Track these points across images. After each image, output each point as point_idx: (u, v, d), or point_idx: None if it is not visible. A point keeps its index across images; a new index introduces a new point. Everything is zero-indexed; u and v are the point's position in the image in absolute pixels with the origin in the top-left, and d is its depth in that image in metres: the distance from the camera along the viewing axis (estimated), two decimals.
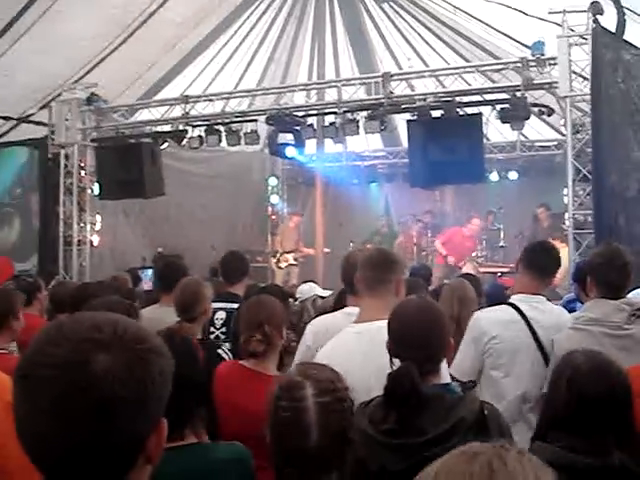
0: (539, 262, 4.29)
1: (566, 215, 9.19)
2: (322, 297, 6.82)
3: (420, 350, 2.70)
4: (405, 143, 11.72)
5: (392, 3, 13.65)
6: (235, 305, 5.33)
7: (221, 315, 5.50)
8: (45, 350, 1.26)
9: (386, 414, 2.55)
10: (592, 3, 8.45)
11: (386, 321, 3.12)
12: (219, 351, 4.44)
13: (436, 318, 2.86)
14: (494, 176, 14.40)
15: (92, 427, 1.22)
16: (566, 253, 10.28)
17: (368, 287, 3.52)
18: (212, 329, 5.47)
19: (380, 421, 2.55)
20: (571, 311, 5.54)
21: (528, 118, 9.66)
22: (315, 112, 11.25)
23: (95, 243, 12.58)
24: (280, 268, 14.99)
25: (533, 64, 9.27)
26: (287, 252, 15.01)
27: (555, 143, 13.97)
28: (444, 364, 2.91)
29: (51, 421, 1.21)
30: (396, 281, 3.50)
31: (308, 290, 7.27)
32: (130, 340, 1.30)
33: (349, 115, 10.43)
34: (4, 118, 12.38)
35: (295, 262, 14.94)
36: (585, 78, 8.68)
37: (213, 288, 5.25)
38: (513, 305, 4.11)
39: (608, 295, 3.92)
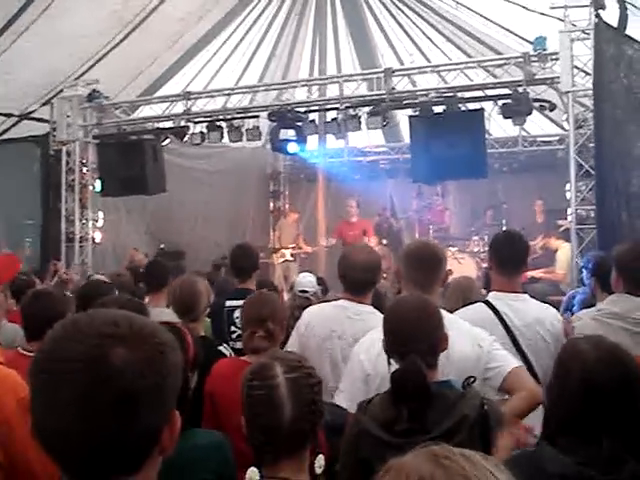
0: (507, 257, 4.15)
1: (568, 210, 9.18)
2: (305, 291, 6.75)
3: (419, 344, 2.72)
4: (407, 139, 11.72)
5: None
6: None
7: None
8: (64, 345, 1.28)
9: (398, 414, 2.55)
10: None
11: None
12: (220, 348, 4.42)
13: (431, 311, 2.91)
14: (496, 171, 14.34)
15: (114, 419, 1.24)
16: (566, 250, 10.30)
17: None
18: (233, 328, 5.33)
19: (392, 421, 2.56)
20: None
21: (530, 113, 9.64)
22: (317, 108, 11.26)
23: (97, 240, 12.60)
24: (278, 263, 14.99)
25: (535, 59, 9.27)
26: (284, 247, 15.01)
27: (557, 138, 13.95)
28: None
29: (74, 415, 1.23)
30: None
31: (309, 284, 7.18)
32: (146, 335, 1.33)
33: (351, 111, 10.43)
34: (6, 115, 12.38)
35: (292, 258, 14.90)
36: (587, 73, 8.67)
37: (218, 284, 5.25)
38: (487, 303, 4.02)
39: (634, 291, 3.97)
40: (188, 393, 2.86)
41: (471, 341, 3.33)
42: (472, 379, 2.72)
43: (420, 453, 1.22)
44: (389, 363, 2.78)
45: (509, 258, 4.14)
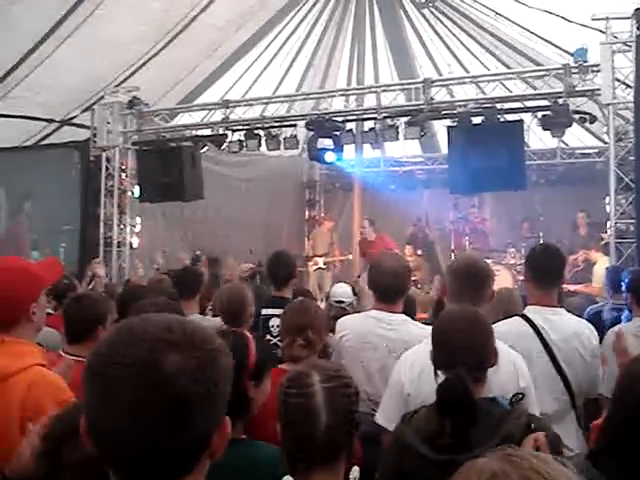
0: (544, 270, 4.07)
1: (608, 224, 9.07)
2: (341, 301, 6.73)
3: (468, 356, 2.68)
4: (443, 149, 11.68)
5: (432, 9, 13.62)
6: None
7: (276, 322, 4.99)
8: (119, 350, 1.29)
9: (441, 428, 2.51)
10: (636, 10, 8.35)
11: None
12: None
13: (481, 323, 2.86)
14: (533, 183, 14.22)
15: (167, 424, 1.26)
16: (604, 263, 10.16)
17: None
18: (268, 336, 5.20)
19: (435, 435, 2.52)
20: (615, 321, 5.44)
21: (570, 125, 9.53)
22: (354, 117, 11.26)
23: (134, 245, 12.71)
24: (311, 272, 15.01)
25: (575, 71, 9.18)
26: (317, 255, 15.02)
27: (596, 150, 13.81)
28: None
29: (128, 419, 1.25)
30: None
31: (345, 294, 7.16)
32: (199, 340, 1.34)
33: (389, 121, 10.40)
34: (47, 120, 12.56)
35: (325, 266, 14.91)
36: (628, 86, 8.57)
37: (252, 292, 5.26)
38: (524, 316, 3.95)
39: None
40: (248, 402, 2.73)
41: (511, 362, 3.27)
42: (520, 396, 2.66)
43: (492, 454, 1.27)
44: (436, 375, 2.74)
45: (546, 272, 4.07)
